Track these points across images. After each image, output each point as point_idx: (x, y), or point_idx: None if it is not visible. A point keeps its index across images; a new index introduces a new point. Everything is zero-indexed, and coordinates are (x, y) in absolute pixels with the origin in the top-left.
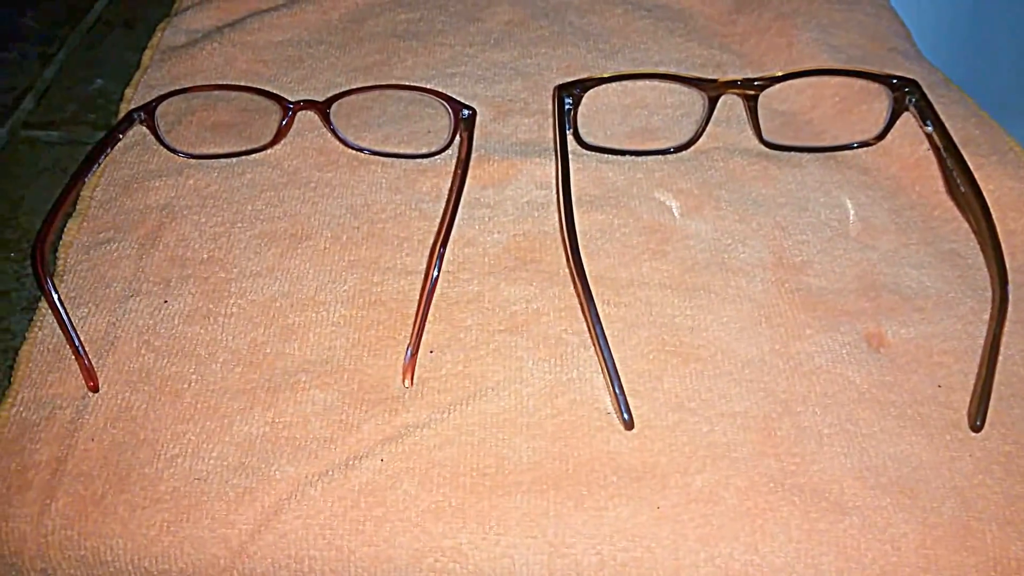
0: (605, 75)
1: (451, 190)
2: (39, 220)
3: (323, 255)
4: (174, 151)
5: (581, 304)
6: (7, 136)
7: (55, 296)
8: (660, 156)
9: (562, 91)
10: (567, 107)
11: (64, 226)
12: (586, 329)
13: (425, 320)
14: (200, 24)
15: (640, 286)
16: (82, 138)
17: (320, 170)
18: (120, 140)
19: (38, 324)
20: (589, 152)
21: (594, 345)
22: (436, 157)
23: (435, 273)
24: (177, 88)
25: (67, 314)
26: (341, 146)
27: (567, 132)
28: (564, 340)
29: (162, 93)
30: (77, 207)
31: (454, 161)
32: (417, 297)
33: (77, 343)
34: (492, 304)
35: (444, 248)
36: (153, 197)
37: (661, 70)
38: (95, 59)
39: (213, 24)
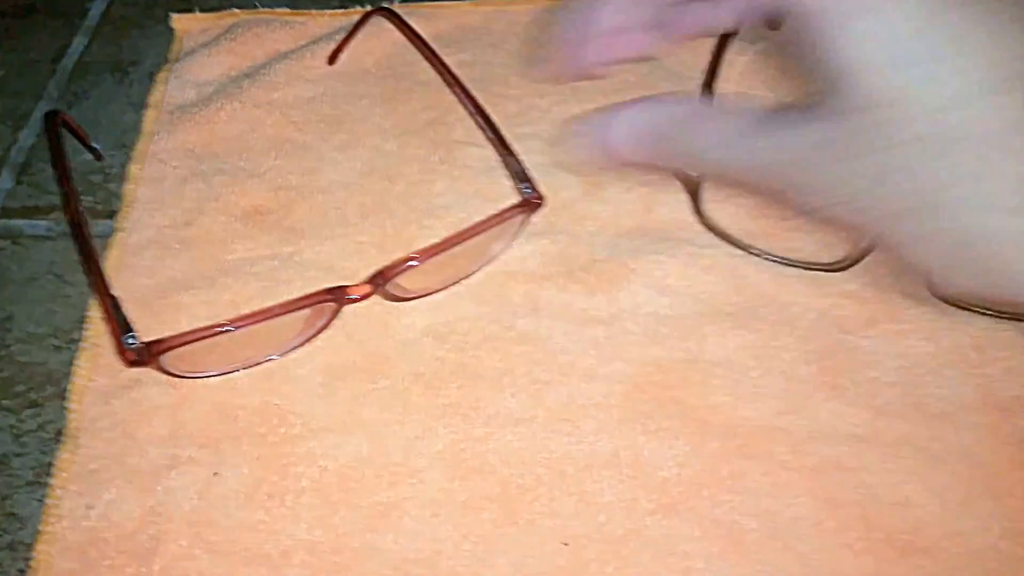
0: None
1: None
2: (37, 350)
3: (405, 398)
4: None
5: None
6: None
7: None
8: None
9: None
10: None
11: (72, 360)
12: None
13: None
14: (210, 73)
15: (823, 439)
16: None
17: None
18: None
19: (55, 510)
20: (719, 243)
21: None
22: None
23: None
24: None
25: None
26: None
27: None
28: (739, 526)
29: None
30: (86, 334)
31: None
32: (532, 456)
33: None
34: (634, 470)
35: None
36: (184, 318)
37: None
38: (82, 117)
39: (225, 73)
